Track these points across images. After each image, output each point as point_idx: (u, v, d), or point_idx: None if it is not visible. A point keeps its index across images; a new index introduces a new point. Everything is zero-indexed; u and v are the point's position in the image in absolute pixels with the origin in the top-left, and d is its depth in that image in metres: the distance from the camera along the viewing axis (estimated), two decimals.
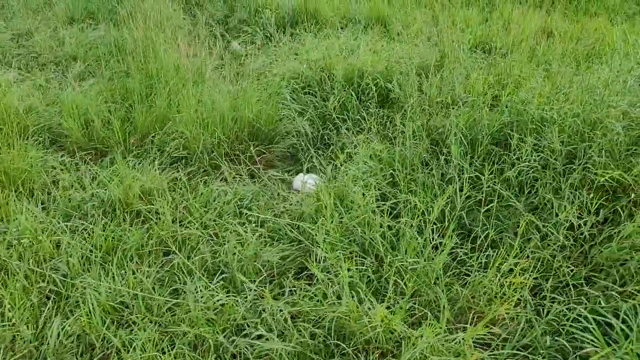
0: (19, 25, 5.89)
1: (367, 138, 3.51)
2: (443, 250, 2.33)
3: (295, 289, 2.34)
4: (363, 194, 2.72)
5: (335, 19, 6.36)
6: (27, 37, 5.53)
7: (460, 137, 2.96)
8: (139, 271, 2.34)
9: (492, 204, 2.69)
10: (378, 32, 5.88)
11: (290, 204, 3.00)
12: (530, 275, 2.14)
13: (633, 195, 2.43)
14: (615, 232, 2.44)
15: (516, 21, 5.73)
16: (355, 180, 2.86)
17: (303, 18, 6.26)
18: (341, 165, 3.11)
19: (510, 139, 2.85)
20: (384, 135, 3.52)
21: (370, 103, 4.00)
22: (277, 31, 5.93)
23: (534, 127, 2.96)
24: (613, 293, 2.11)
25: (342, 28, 6.15)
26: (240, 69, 4.88)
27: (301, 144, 3.68)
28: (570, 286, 2.24)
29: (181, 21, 5.84)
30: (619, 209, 2.50)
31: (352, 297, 2.22)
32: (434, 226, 2.62)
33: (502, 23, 5.90)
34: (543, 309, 2.22)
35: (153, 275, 2.35)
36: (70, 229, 2.64)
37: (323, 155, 3.52)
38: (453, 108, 3.32)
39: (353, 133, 3.63)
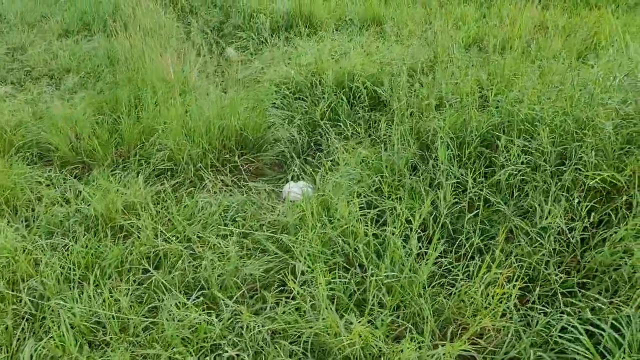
0: (14, 39, 5.92)
1: (357, 143, 3.45)
2: (428, 260, 2.26)
3: (277, 302, 2.29)
4: (348, 203, 2.65)
5: (331, 21, 6.30)
6: (22, 51, 5.55)
7: (448, 140, 2.88)
8: (116, 289, 2.30)
9: (478, 210, 2.61)
10: (373, 32, 5.80)
11: (278, 214, 2.94)
12: (515, 284, 2.05)
13: (625, 196, 2.32)
14: (608, 236, 2.34)
15: (513, 17, 5.62)
16: (340, 188, 2.80)
17: (297, 21, 6.20)
18: (327, 173, 3.04)
19: (499, 140, 2.76)
20: (374, 140, 3.45)
21: (361, 107, 3.93)
22: (272, 35, 5.88)
23: (524, 127, 2.87)
24: (598, 305, 2.01)
25: (337, 30, 6.08)
26: (234, 75, 4.84)
27: (291, 151, 3.62)
28: (559, 295, 2.14)
29: (174, 29, 5.81)
30: (611, 212, 2.40)
31: (335, 311, 2.16)
32: (422, 234, 2.55)
33: (499, 19, 5.78)
34: (532, 319, 2.14)
35: (131, 292, 2.31)
36: (51, 246, 2.61)
37: (312, 162, 3.46)
38: (440, 110, 3.24)
39: (343, 138, 3.57)
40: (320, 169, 3.17)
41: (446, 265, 2.35)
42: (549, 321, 2.05)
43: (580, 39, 4.44)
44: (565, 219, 2.45)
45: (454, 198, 2.74)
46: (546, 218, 2.41)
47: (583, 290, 2.25)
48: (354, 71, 4.21)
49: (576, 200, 2.35)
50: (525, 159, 2.67)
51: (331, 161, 3.16)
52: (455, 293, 2.20)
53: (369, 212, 2.70)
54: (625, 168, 2.49)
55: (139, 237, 2.63)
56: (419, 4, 6.94)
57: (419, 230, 2.45)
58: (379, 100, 3.99)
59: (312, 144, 3.65)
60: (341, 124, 3.70)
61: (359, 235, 2.51)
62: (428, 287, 2.27)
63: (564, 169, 2.58)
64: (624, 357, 1.91)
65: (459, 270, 2.27)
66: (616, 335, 1.98)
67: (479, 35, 5.05)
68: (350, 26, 6.15)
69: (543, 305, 2.21)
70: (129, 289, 2.31)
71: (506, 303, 2.08)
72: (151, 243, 2.58)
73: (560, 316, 2.08)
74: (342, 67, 4.34)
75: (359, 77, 4.06)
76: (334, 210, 2.70)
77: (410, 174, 2.99)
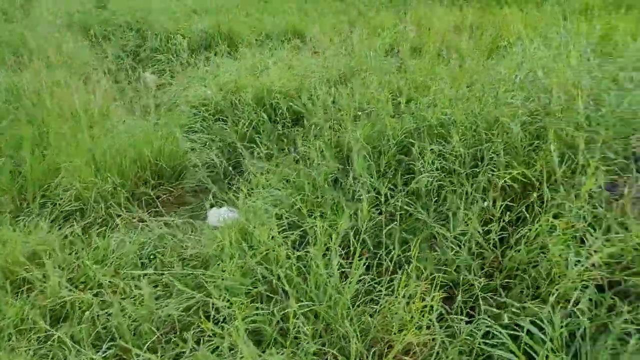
0: None
1: (279, 161, 3.36)
2: (352, 279, 2.19)
3: (197, 343, 2.14)
4: (267, 226, 2.54)
5: (252, 37, 6.23)
6: None
7: (365, 152, 2.84)
8: (16, 351, 2.09)
9: (402, 220, 2.58)
10: (295, 45, 5.76)
11: (199, 245, 2.80)
12: (434, 295, 2.01)
13: (536, 193, 2.35)
14: (524, 234, 2.35)
15: (429, 20, 5.74)
16: (259, 212, 2.69)
17: (217, 40, 6.08)
18: (248, 197, 2.93)
19: (413, 147, 2.75)
20: (295, 156, 3.37)
21: (282, 123, 3.86)
22: (192, 56, 5.72)
23: (438, 132, 2.87)
24: (513, 309, 2.00)
25: (259, 45, 6.01)
26: (151, 101, 4.65)
27: (211, 176, 3.48)
28: (480, 300, 2.12)
29: (86, 58, 5.55)
30: (525, 209, 2.42)
31: (258, 344, 2.05)
32: (343, 252, 2.48)
33: (416, 24, 5.89)
34: (458, 328, 2.11)
35: (34, 353, 2.10)
36: None
37: (235, 185, 3.34)
38: (357, 121, 3.20)
39: (264, 157, 3.47)
40: (241, 192, 3.06)
41: (369, 282, 2.29)
42: (472, 328, 2.02)
43: (491, 38, 4.57)
44: (482, 220, 2.45)
45: (377, 209, 2.70)
46: (464, 221, 2.40)
47: (509, 288, 2.25)
48: (273, 87, 4.14)
49: (490, 201, 2.35)
50: (440, 164, 2.67)
51: (250, 183, 3.05)
52: (379, 310, 2.14)
53: (292, 234, 2.61)
54: (535, 164, 2.53)
55: (42, 289, 2.41)
56: (339, 13, 6.99)
57: (339, 249, 2.37)
58: (300, 114, 3.92)
59: (233, 167, 3.53)
60: (262, 143, 3.61)
61: (281, 259, 2.41)
62: (353, 307, 2.19)
63: (478, 170, 2.58)
64: (547, 355, 1.90)
65: (382, 286, 2.21)
66: (541, 335, 1.97)
67: (396, 41, 5.10)
68: (272, 41, 6.09)
69: (468, 312, 2.18)
70: (29, 349, 2.10)
71: (429, 315, 2.03)
72: (57, 294, 2.37)
73: (485, 321, 2.06)
74: (262, 84, 4.26)
75: (277, 93, 3.99)
76: (253, 236, 2.59)
77: (333, 189, 2.93)
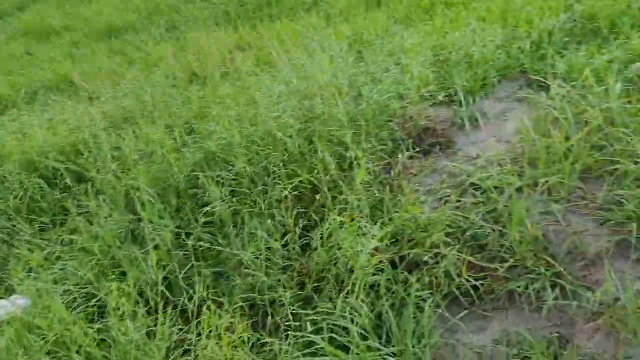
0: None
1: (64, 230, 3.01)
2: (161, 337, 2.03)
3: None
4: (53, 307, 2.23)
5: (17, 96, 5.56)
6: None
7: (150, 196, 2.67)
8: None
9: (205, 257, 2.48)
10: (68, 96, 5.27)
11: None
12: (241, 325, 1.95)
13: (318, 195, 2.44)
14: (319, 235, 2.42)
15: (209, 44, 5.70)
16: (41, 293, 2.36)
17: None
18: (31, 279, 2.55)
19: (198, 179, 2.67)
20: (79, 219, 3.05)
21: (63, 184, 3.47)
22: None
23: (223, 156, 2.84)
24: (312, 315, 2.04)
25: (27, 103, 5.39)
26: None
27: None
28: (290, 312, 2.12)
29: None
30: (321, 211, 2.51)
31: None
32: (147, 307, 2.29)
33: (196, 50, 5.80)
34: (278, 349, 2.08)
35: None
36: None
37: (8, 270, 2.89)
38: (139, 164, 3.02)
39: (44, 229, 3.09)
40: (15, 277, 2.65)
41: (178, 333, 2.15)
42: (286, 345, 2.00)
43: (265, 54, 4.71)
44: (282, 232, 2.47)
45: (180, 250, 2.56)
46: (262, 239, 2.39)
47: (317, 294, 2.29)
48: (44, 147, 3.71)
49: (281, 215, 2.38)
50: (230, 188, 2.63)
51: (29, 263, 2.67)
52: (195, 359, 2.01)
53: (87, 306, 2.35)
54: (316, 167, 2.62)
55: None
56: (115, 53, 6.63)
57: (141, 307, 2.18)
58: (80, 171, 3.57)
59: (10, 248, 3.06)
60: (42, 212, 3.21)
61: (78, 339, 2.13)
62: None
63: (266, 187, 2.61)
64: (359, 344, 1.95)
65: (191, 333, 2.09)
66: (352, 326, 2.02)
67: (175, 71, 4.96)
68: (42, 95, 5.50)
69: (285, 328, 2.17)
70: None
71: (243, 346, 1.97)
72: None
73: (297, 333, 2.05)
74: (30, 147, 3.78)
75: (50, 153, 3.58)
76: (39, 322, 2.25)
77: (129, 242, 2.71)
